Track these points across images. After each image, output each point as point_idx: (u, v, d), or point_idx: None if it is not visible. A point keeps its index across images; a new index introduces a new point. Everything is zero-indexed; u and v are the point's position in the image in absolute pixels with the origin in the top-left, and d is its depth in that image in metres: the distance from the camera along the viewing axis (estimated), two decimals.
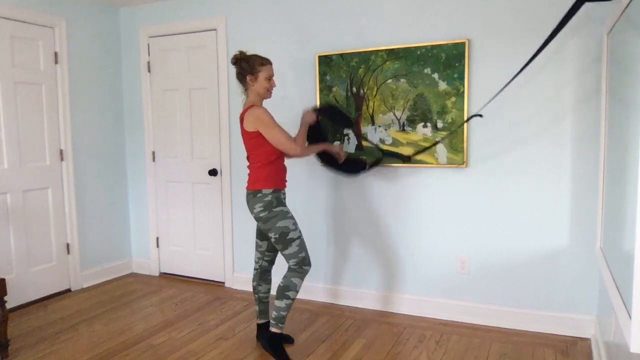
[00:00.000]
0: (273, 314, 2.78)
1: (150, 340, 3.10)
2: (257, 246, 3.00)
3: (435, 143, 3.17)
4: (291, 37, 3.68)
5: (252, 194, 2.77)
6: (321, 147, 2.94)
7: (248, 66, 2.76)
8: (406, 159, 3.26)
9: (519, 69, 2.73)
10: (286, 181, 2.88)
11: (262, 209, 2.74)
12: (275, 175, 2.77)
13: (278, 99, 3.73)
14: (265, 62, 2.78)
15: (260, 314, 3.05)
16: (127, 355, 2.90)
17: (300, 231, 2.79)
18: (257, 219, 2.77)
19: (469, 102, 3.16)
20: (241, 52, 2.80)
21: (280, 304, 2.74)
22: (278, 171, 2.79)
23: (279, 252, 2.87)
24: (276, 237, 2.74)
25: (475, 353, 2.86)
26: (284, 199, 2.85)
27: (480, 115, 2.94)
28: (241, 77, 2.80)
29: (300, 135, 2.85)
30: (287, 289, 2.73)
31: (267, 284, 3.01)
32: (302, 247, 2.77)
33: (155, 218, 4.47)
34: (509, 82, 2.74)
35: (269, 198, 2.73)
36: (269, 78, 2.78)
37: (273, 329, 2.78)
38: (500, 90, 2.79)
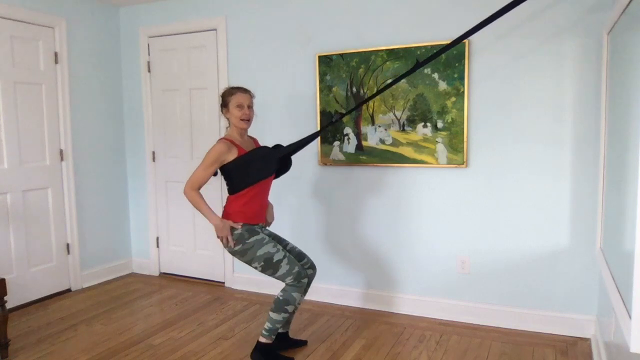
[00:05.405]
0: (267, 325, 2.67)
1: (150, 340, 3.10)
2: None
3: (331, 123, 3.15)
4: (291, 37, 3.68)
5: None
6: (207, 214, 2.58)
7: (222, 99, 2.70)
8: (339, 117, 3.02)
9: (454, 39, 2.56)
10: (264, 218, 2.76)
11: (234, 243, 2.62)
12: (247, 209, 2.62)
13: (278, 100, 3.73)
14: (235, 90, 2.66)
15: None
16: (127, 355, 2.90)
17: (282, 249, 2.64)
18: (233, 253, 2.64)
19: (469, 102, 3.16)
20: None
21: (277, 317, 2.64)
22: (252, 206, 2.65)
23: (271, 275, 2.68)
24: (262, 265, 2.61)
25: (475, 353, 2.86)
26: (260, 229, 2.71)
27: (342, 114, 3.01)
28: (222, 112, 2.74)
29: (203, 205, 2.57)
30: (287, 302, 2.63)
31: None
32: (292, 263, 2.63)
33: (155, 218, 4.47)
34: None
35: (239, 231, 2.61)
36: (240, 106, 2.63)
37: (263, 340, 2.69)
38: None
